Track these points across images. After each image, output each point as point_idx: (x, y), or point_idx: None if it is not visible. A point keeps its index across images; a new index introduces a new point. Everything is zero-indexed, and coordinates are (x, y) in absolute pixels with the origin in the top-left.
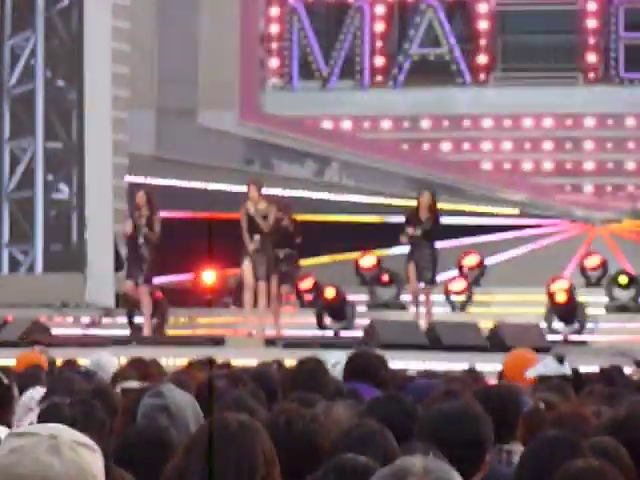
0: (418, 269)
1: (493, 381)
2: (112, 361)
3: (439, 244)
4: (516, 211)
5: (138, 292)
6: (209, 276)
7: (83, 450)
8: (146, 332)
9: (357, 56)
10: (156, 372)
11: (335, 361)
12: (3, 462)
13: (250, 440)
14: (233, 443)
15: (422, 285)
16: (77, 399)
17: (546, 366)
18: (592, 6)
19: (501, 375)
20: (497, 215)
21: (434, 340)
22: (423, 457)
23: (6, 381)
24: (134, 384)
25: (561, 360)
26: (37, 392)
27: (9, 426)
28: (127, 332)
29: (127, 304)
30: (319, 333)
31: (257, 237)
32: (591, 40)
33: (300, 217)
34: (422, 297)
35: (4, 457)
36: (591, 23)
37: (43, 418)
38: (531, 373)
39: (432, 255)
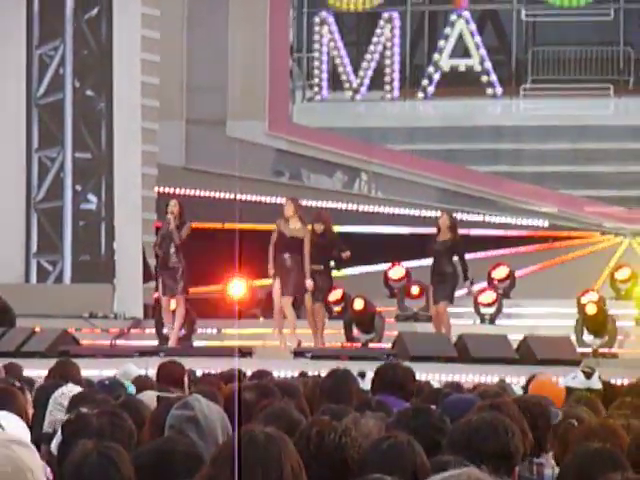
0: (434, 287)
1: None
2: (139, 372)
3: (469, 256)
4: (546, 223)
5: (174, 302)
6: (237, 287)
7: (17, 447)
8: (171, 343)
9: (387, 67)
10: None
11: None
12: None
13: (277, 453)
14: (260, 456)
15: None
16: (104, 410)
17: (574, 378)
18: (623, 18)
19: (526, 389)
20: (527, 227)
21: (463, 352)
22: (476, 470)
23: (18, 385)
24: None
25: (589, 375)
26: (68, 389)
27: None
28: (155, 343)
29: (157, 315)
30: (347, 345)
31: (286, 256)
32: (622, 51)
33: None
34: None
35: None
36: (622, 35)
37: (70, 428)
38: (560, 384)
39: (449, 274)
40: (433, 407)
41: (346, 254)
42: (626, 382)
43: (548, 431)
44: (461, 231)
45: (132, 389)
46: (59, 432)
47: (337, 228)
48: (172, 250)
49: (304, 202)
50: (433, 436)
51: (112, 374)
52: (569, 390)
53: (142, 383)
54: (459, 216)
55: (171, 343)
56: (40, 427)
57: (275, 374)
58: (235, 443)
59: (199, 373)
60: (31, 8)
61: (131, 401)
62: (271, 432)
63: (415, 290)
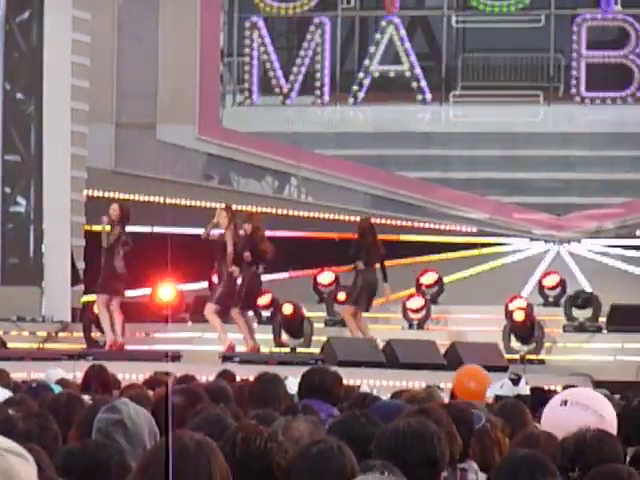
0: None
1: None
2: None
3: (397, 261)
4: (475, 229)
5: (111, 305)
6: (166, 291)
7: (11, 457)
8: (114, 346)
9: (317, 72)
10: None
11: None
12: None
13: (207, 460)
14: (190, 463)
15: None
16: (31, 412)
17: (502, 386)
18: (554, 24)
19: (453, 394)
20: (456, 233)
21: (391, 358)
22: (380, 476)
23: None
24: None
25: (516, 381)
26: None
27: None
28: (83, 346)
29: (85, 318)
30: (276, 350)
31: (215, 265)
32: (552, 58)
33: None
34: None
35: None
36: (553, 41)
37: None
38: (488, 393)
39: (355, 278)
40: (366, 413)
41: (246, 255)
42: (553, 388)
43: (471, 436)
44: (390, 237)
45: (58, 391)
46: None
47: (266, 233)
48: (120, 253)
49: (234, 207)
50: (366, 443)
51: (39, 377)
52: (498, 398)
53: (68, 386)
54: (388, 222)
55: (113, 346)
56: None
57: (204, 378)
58: (164, 450)
59: (127, 377)
60: None
61: (58, 404)
62: (201, 440)
63: (344, 295)
